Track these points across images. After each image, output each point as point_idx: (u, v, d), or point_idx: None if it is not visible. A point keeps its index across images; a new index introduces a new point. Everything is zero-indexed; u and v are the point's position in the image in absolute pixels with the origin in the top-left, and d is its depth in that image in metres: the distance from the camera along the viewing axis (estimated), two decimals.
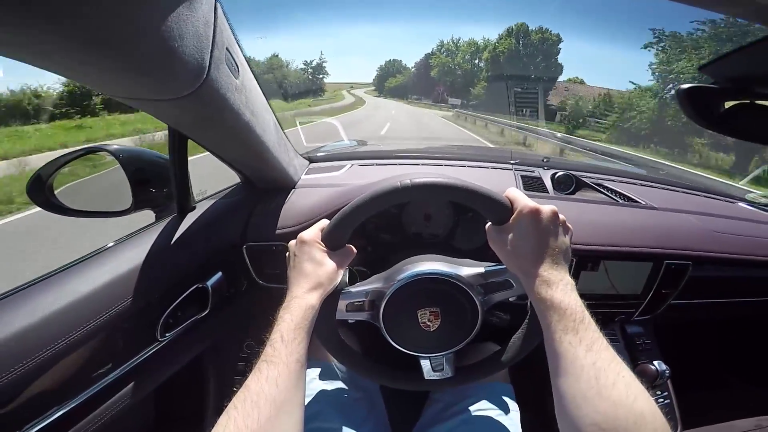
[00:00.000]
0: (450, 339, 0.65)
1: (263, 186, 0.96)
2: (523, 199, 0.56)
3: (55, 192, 0.77)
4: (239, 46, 0.61)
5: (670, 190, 1.20)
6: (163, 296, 0.74)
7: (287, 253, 0.64)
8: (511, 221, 0.56)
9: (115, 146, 0.78)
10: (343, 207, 0.60)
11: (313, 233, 0.62)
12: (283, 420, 0.45)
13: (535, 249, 0.53)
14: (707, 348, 1.38)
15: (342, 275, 0.63)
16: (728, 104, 0.53)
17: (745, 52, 0.44)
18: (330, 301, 0.61)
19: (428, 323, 0.63)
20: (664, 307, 0.97)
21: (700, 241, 0.93)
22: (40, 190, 0.75)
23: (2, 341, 0.51)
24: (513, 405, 0.80)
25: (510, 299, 0.64)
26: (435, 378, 0.66)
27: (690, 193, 1.20)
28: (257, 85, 0.71)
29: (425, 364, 0.66)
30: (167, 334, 0.74)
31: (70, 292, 0.61)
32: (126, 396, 0.68)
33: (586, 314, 0.47)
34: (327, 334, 0.63)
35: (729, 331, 1.36)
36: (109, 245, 0.72)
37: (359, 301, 0.64)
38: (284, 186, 0.98)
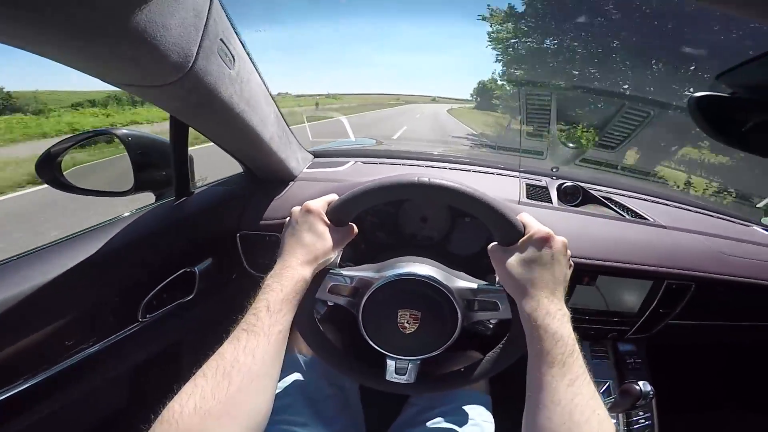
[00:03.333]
0: (422, 346, 0.64)
1: (264, 176, 0.97)
2: (536, 225, 0.56)
3: (63, 171, 0.80)
4: (239, 38, 0.62)
5: (683, 208, 1.16)
6: (149, 278, 0.76)
7: (287, 218, 0.62)
8: (519, 243, 0.55)
9: (123, 130, 0.81)
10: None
11: (319, 204, 0.60)
12: (254, 394, 0.44)
13: (539, 276, 0.52)
14: (705, 371, 1.33)
15: (337, 254, 0.63)
16: (749, 117, 0.48)
17: (762, 61, 0.40)
18: (317, 277, 0.60)
19: (406, 325, 0.63)
20: (661, 327, 0.94)
21: (705, 263, 0.89)
22: (49, 168, 0.78)
23: None
24: (488, 416, 0.80)
25: (492, 321, 0.64)
26: (395, 381, 0.66)
27: (703, 213, 1.16)
28: (258, 77, 0.72)
29: (390, 365, 0.66)
30: (148, 315, 0.76)
31: (55, 266, 0.63)
32: (101, 372, 0.71)
33: (576, 347, 0.47)
34: (302, 309, 0.62)
35: (730, 355, 1.31)
36: (100, 223, 0.75)
37: (344, 286, 0.64)
38: (285, 178, 0.99)
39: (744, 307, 0.98)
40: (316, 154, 1.18)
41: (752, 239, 1.04)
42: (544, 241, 0.54)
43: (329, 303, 0.66)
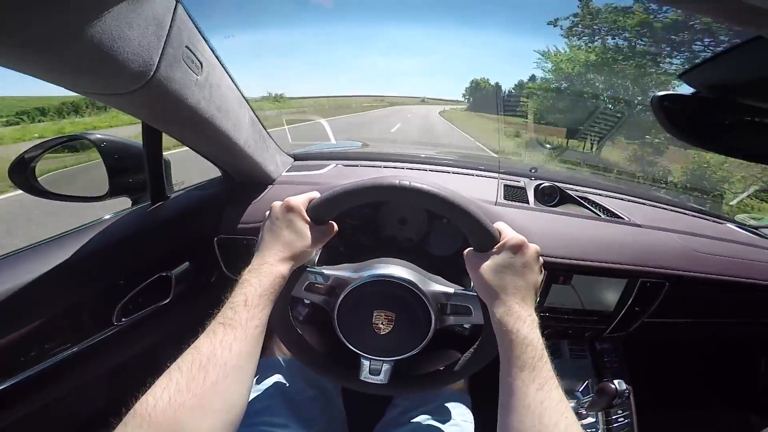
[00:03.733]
0: (396, 347, 0.65)
1: (242, 180, 0.97)
2: (510, 232, 0.58)
3: (38, 176, 0.80)
4: (208, 44, 0.63)
5: (659, 207, 1.17)
6: (123, 282, 0.76)
7: (267, 212, 0.62)
8: (494, 250, 0.57)
9: (98, 135, 0.81)
10: None
11: (300, 200, 0.60)
12: (230, 387, 0.43)
13: (512, 282, 0.54)
14: (683, 368, 1.34)
15: (315, 252, 0.63)
16: (714, 117, 0.49)
17: (726, 57, 0.42)
18: (294, 274, 0.60)
19: (380, 326, 0.64)
20: (637, 325, 0.95)
21: (678, 261, 0.90)
22: (22, 173, 0.78)
23: None
24: (468, 415, 0.81)
25: (464, 325, 0.65)
26: (369, 381, 0.67)
27: (679, 212, 1.17)
28: (230, 82, 0.73)
29: (365, 365, 0.66)
30: (124, 320, 0.76)
31: (28, 271, 0.63)
32: (76, 376, 0.71)
33: (545, 352, 0.49)
34: (277, 305, 0.62)
35: (707, 352, 1.33)
36: (73, 229, 0.75)
37: (320, 284, 0.64)
38: (263, 181, 0.99)
39: (718, 305, 1.00)
40: (296, 158, 1.18)
41: (726, 237, 1.05)
42: (517, 248, 0.56)
43: (306, 301, 0.66)
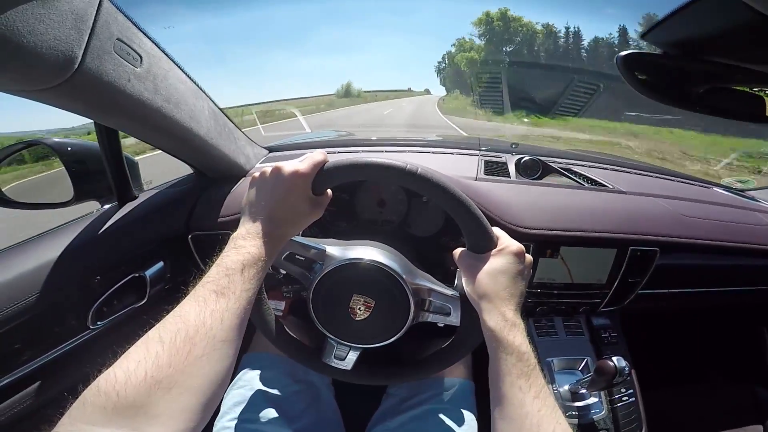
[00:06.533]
0: (368, 336, 0.63)
1: (213, 175, 0.95)
2: (509, 239, 0.58)
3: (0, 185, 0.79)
4: (147, 36, 0.62)
5: (642, 174, 1.12)
6: (96, 285, 0.75)
7: (269, 171, 0.54)
8: (492, 253, 0.56)
9: (55, 139, 0.80)
10: None
11: (308, 170, 0.53)
12: (214, 363, 0.39)
13: (508, 288, 0.53)
14: (683, 340, 1.30)
15: None
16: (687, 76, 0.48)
17: (682, 14, 0.39)
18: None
19: (357, 311, 0.62)
20: (633, 298, 0.91)
21: (667, 226, 0.86)
22: None
23: None
24: (471, 402, 0.78)
25: (439, 324, 0.64)
26: (331, 364, 0.65)
27: (663, 178, 1.12)
28: (180, 73, 0.71)
29: (331, 348, 0.65)
30: (99, 323, 0.75)
31: None
32: (52, 384, 0.70)
33: (536, 360, 0.49)
34: None
35: (706, 322, 1.28)
36: (38, 234, 0.74)
37: (301, 256, 0.61)
38: (235, 174, 0.97)
39: (713, 272, 0.95)
40: (271, 149, 1.16)
41: (714, 200, 1.01)
42: (518, 255, 0.55)
43: (281, 275, 0.64)
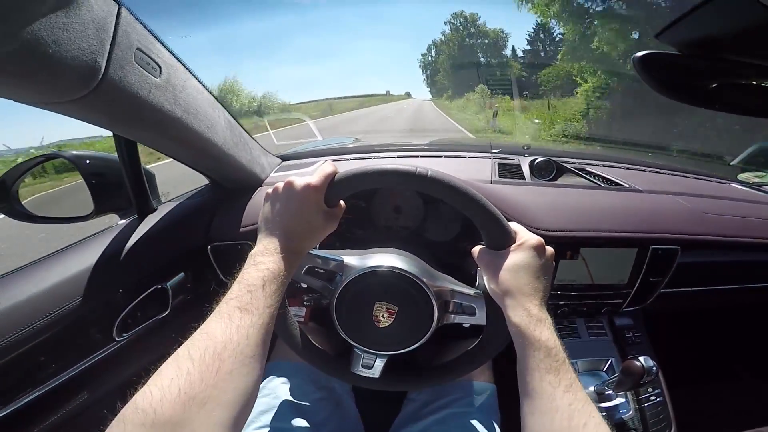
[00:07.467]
0: (393, 342, 0.63)
1: (229, 185, 0.96)
2: (527, 232, 0.57)
3: (21, 200, 0.79)
4: (164, 46, 0.62)
5: (658, 172, 1.11)
6: (120, 297, 0.75)
7: (282, 186, 0.55)
8: (511, 249, 0.55)
9: (74, 152, 0.80)
10: None
11: (320, 183, 0.53)
12: (243, 377, 0.40)
13: (530, 283, 0.52)
14: (709, 339, 1.28)
15: None
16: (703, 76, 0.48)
17: (698, 14, 0.39)
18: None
19: (380, 318, 0.62)
20: (655, 297, 0.90)
21: (688, 224, 0.85)
22: (5, 197, 0.77)
23: None
24: (494, 407, 0.78)
25: (464, 325, 0.63)
26: (360, 374, 0.65)
27: (678, 175, 1.11)
28: (196, 83, 0.71)
29: (358, 358, 0.64)
30: (125, 335, 0.75)
31: (16, 293, 0.63)
32: (80, 396, 0.70)
33: (565, 354, 0.48)
34: None
35: (729, 320, 1.26)
36: (62, 248, 0.74)
37: (321, 269, 0.61)
38: (251, 184, 0.97)
39: (736, 269, 0.94)
40: (284, 158, 1.16)
41: (731, 196, 1.00)
42: (537, 249, 0.54)
43: (302, 285, 0.63)
